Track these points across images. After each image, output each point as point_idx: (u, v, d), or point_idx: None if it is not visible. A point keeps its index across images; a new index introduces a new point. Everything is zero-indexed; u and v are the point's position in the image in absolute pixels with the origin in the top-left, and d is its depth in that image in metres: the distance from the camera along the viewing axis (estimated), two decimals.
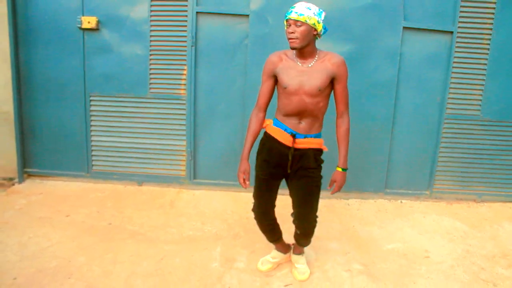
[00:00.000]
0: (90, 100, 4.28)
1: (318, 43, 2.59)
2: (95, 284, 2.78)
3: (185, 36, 4.10)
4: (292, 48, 2.44)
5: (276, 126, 2.65)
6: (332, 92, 2.62)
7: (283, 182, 2.77)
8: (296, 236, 2.89)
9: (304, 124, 2.59)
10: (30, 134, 4.36)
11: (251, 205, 2.82)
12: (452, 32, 4.07)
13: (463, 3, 4.01)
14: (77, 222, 3.58)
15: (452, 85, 4.17)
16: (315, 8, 2.40)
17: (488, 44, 4.09)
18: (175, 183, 4.40)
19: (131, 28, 4.13)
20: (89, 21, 4.06)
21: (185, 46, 4.12)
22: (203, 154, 4.36)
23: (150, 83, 4.22)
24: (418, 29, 4.07)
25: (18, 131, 4.27)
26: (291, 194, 2.74)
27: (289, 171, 2.65)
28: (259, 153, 2.74)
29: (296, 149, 2.60)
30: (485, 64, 4.13)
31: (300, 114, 2.57)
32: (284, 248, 3.06)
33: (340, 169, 2.65)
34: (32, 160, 4.43)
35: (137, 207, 3.91)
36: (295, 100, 2.53)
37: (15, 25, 4.10)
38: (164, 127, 4.31)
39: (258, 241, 3.35)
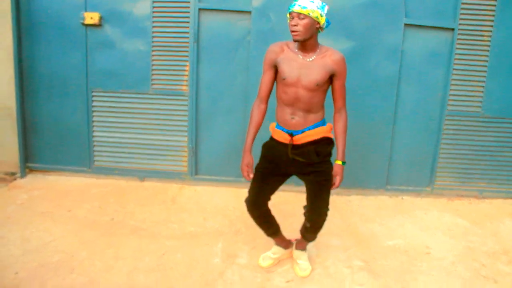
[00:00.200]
0: (92, 96, 4.28)
1: (320, 40, 2.59)
2: (97, 278, 2.79)
3: (187, 33, 4.10)
4: (295, 41, 2.46)
5: (278, 128, 2.69)
6: (330, 88, 2.63)
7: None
8: (304, 230, 2.89)
9: (297, 119, 2.59)
10: (32, 129, 4.37)
11: (246, 209, 2.83)
12: (453, 29, 4.07)
13: (464, 0, 4.00)
14: (79, 217, 3.59)
15: (453, 82, 4.17)
16: (318, 1, 2.41)
17: (489, 41, 4.09)
18: (177, 179, 4.41)
19: (133, 24, 4.13)
20: (91, 17, 4.06)
21: (187, 43, 4.13)
22: (205, 150, 4.37)
23: (152, 79, 4.22)
24: (420, 26, 4.06)
25: (21, 126, 4.28)
26: (306, 189, 2.75)
27: (290, 170, 2.67)
28: (262, 148, 2.77)
29: (295, 146, 2.61)
30: (486, 61, 4.13)
31: (293, 106, 2.57)
32: (284, 243, 3.07)
33: (340, 163, 2.65)
34: (34, 155, 4.44)
35: (139, 203, 3.92)
36: (291, 92, 2.55)
37: (18, 21, 4.10)
38: (166, 123, 4.31)
39: (259, 237, 3.34)
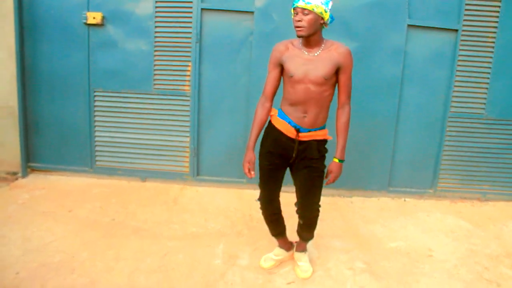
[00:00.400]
0: (94, 96, 4.28)
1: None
2: (98, 279, 2.78)
3: (190, 33, 4.10)
4: (299, 37, 2.46)
5: (281, 118, 2.67)
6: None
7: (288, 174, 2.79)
8: (299, 229, 2.90)
9: (308, 118, 2.60)
10: (34, 128, 4.37)
11: (255, 202, 2.83)
12: (457, 30, 4.05)
13: (468, 1, 3.98)
14: (80, 217, 3.59)
15: (457, 83, 4.15)
16: None
17: (493, 42, 4.07)
18: (179, 180, 4.40)
19: (136, 24, 4.13)
20: (94, 17, 4.06)
21: (190, 43, 4.12)
22: (207, 150, 4.36)
23: (155, 79, 4.21)
24: (423, 27, 4.05)
25: (22, 126, 4.28)
26: (295, 184, 2.77)
27: (291, 161, 2.68)
28: (263, 142, 2.76)
29: (300, 142, 2.62)
30: (490, 62, 4.11)
31: (305, 103, 2.57)
32: (286, 245, 3.07)
33: (337, 160, 2.66)
34: (35, 154, 4.43)
35: (141, 203, 3.91)
36: (300, 89, 2.54)
37: (20, 21, 4.10)
38: (168, 123, 4.31)
39: (261, 239, 3.35)
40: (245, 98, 4.18)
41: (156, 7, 4.08)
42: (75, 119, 4.33)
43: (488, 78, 4.14)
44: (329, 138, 2.73)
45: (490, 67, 4.12)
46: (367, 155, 4.25)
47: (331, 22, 2.51)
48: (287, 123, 2.64)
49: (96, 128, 4.35)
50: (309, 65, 2.51)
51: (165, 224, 3.56)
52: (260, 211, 2.88)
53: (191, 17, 4.06)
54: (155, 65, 4.19)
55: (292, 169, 2.75)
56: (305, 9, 2.37)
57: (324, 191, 2.75)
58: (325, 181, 2.70)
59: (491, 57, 4.10)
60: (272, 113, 2.74)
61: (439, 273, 3.07)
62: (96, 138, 4.37)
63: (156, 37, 4.14)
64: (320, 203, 2.75)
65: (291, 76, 2.54)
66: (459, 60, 4.10)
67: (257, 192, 2.90)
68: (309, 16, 2.38)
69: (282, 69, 2.62)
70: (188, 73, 4.18)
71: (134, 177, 4.42)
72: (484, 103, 4.20)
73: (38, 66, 4.23)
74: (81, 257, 3.00)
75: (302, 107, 2.59)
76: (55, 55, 4.20)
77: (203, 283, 2.82)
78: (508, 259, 3.30)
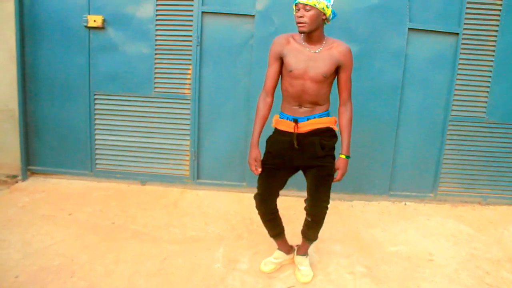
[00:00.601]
0: (95, 99, 4.28)
1: None
2: (97, 283, 2.77)
3: (191, 36, 4.10)
4: (301, 32, 2.47)
5: (281, 118, 2.69)
6: (336, 80, 2.64)
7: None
8: (305, 228, 2.89)
9: (303, 109, 2.61)
10: (34, 131, 4.37)
11: (255, 206, 2.82)
12: (457, 34, 4.05)
13: (468, 5, 3.98)
14: (80, 220, 3.58)
15: (458, 87, 4.15)
16: None
17: (494, 46, 4.07)
18: (179, 183, 4.39)
19: (136, 27, 4.13)
20: (95, 20, 4.06)
21: (190, 46, 4.12)
22: (207, 154, 4.36)
23: (155, 82, 4.21)
24: (424, 30, 4.05)
25: (23, 129, 4.27)
26: (306, 182, 2.76)
27: (294, 162, 2.67)
28: (266, 143, 2.77)
29: (300, 134, 2.61)
30: (491, 66, 4.11)
31: (300, 99, 2.59)
32: (286, 247, 3.06)
33: (343, 156, 2.66)
34: (35, 157, 4.43)
35: (141, 207, 3.91)
36: (297, 84, 2.56)
37: (21, 23, 4.10)
38: (168, 127, 4.30)
39: (261, 243, 3.34)
40: (245, 102, 4.18)
41: (157, 10, 4.08)
42: (75, 122, 4.33)
43: (489, 81, 4.14)
44: (335, 128, 2.69)
45: (491, 71, 4.11)
46: (368, 159, 4.24)
47: (333, 18, 2.52)
48: (285, 119, 2.65)
49: (96, 131, 4.35)
50: (310, 61, 2.52)
51: (165, 227, 3.56)
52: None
53: (191, 20, 4.06)
54: (155, 68, 4.19)
55: (303, 169, 2.76)
56: (307, 4, 2.38)
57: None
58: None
59: (492, 61, 4.10)
60: (274, 120, 2.75)
61: (440, 278, 3.06)
62: (96, 141, 4.37)
63: (156, 40, 4.14)
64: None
65: (291, 71, 2.55)
66: (459, 64, 4.10)
67: None
68: (311, 12, 2.39)
69: (282, 62, 2.62)
70: (189, 76, 4.18)
71: (134, 181, 4.42)
72: (485, 107, 4.19)
73: (38, 69, 4.23)
74: (81, 260, 2.99)
75: (297, 101, 2.61)
76: (55, 58, 4.20)
77: (202, 287, 2.81)
78: (509, 264, 3.28)
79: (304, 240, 2.97)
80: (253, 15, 4.02)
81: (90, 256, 3.05)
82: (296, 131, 2.61)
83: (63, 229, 3.41)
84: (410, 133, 4.26)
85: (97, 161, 4.41)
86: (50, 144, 4.39)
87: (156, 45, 4.15)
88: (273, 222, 2.90)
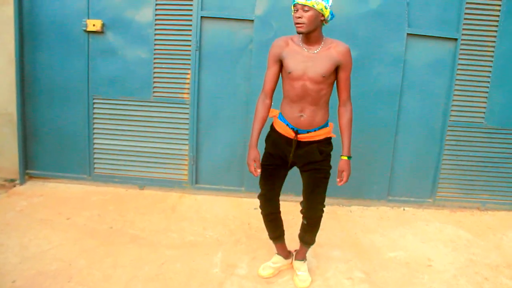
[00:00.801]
0: (93, 103, 4.27)
1: None
2: None
3: (189, 40, 4.10)
4: (299, 33, 2.48)
5: (280, 120, 2.69)
6: (335, 80, 2.64)
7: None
8: (302, 231, 2.90)
9: (305, 118, 2.60)
10: (32, 135, 4.36)
11: (253, 211, 2.83)
12: (456, 39, 4.06)
13: (467, 10, 3.99)
14: (78, 225, 3.57)
15: (456, 92, 4.15)
16: None
17: (493, 51, 4.08)
18: (177, 188, 4.39)
19: (135, 31, 4.13)
20: (94, 24, 4.06)
21: (189, 50, 4.12)
22: (206, 158, 4.35)
23: (154, 87, 4.21)
24: (422, 35, 4.06)
25: (21, 133, 4.26)
26: (302, 184, 2.77)
27: (290, 159, 2.68)
28: (265, 142, 2.79)
29: (299, 142, 2.63)
30: (490, 71, 4.11)
31: (302, 101, 2.59)
32: (285, 252, 3.05)
33: (345, 158, 2.66)
34: (34, 161, 4.42)
35: (139, 211, 3.90)
36: (298, 86, 2.56)
37: (21, 27, 4.10)
38: (167, 131, 4.30)
39: (260, 248, 3.33)
40: (244, 106, 4.17)
41: (156, 14, 4.08)
42: (74, 126, 4.32)
43: (488, 87, 4.14)
44: (333, 135, 2.72)
45: (489, 76, 4.12)
46: (367, 164, 4.24)
47: (331, 19, 2.53)
48: (285, 125, 2.65)
49: (95, 136, 4.34)
50: (308, 62, 2.52)
51: (163, 232, 3.55)
52: (259, 220, 2.88)
53: (190, 25, 4.07)
54: (154, 72, 4.19)
55: (300, 172, 2.77)
56: (305, 5, 2.38)
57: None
58: (337, 180, 2.69)
59: (490, 66, 4.11)
60: (274, 114, 2.75)
61: (439, 284, 3.05)
62: (95, 146, 4.36)
63: (155, 44, 4.14)
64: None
65: (290, 73, 2.55)
66: (458, 69, 4.10)
67: (255, 201, 2.89)
68: (309, 13, 2.39)
69: (281, 65, 2.63)
70: (188, 81, 4.18)
71: (132, 185, 4.41)
72: (484, 112, 4.20)
73: (37, 73, 4.23)
74: (78, 265, 2.98)
75: (299, 105, 2.60)
76: (54, 62, 4.20)
77: None
78: (508, 270, 3.28)
79: (301, 245, 2.98)
80: (252, 20, 4.02)
81: (88, 260, 3.04)
82: (295, 139, 2.63)
83: (61, 233, 3.39)
84: (408, 138, 4.26)
85: (96, 165, 4.40)
86: (48, 148, 4.38)
87: (155, 49, 4.15)
88: (275, 223, 2.91)
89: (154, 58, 4.17)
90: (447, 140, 4.25)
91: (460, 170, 4.32)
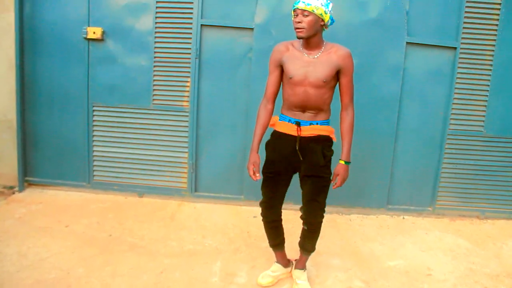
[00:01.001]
0: (93, 110, 4.27)
1: None
2: None
3: (189, 48, 4.11)
4: (299, 38, 2.48)
5: (281, 120, 2.70)
6: (337, 84, 2.64)
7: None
8: (302, 238, 2.88)
9: (308, 115, 2.61)
10: (32, 142, 4.36)
11: (253, 219, 2.82)
12: (455, 48, 4.07)
13: (466, 19, 4.01)
14: (77, 232, 3.56)
15: (455, 101, 4.16)
16: None
17: (491, 60, 4.09)
18: (176, 196, 4.38)
19: (135, 39, 4.14)
20: (94, 32, 4.07)
21: (189, 58, 4.13)
22: (205, 166, 4.35)
23: (154, 95, 4.22)
24: (422, 44, 4.07)
25: (20, 140, 4.26)
26: (302, 189, 2.75)
27: (301, 158, 2.66)
28: (266, 150, 2.78)
29: (303, 138, 2.62)
30: (489, 80, 4.13)
31: (303, 105, 2.59)
32: (284, 261, 3.04)
33: (343, 162, 2.64)
34: (33, 168, 4.41)
35: (138, 219, 3.89)
36: (299, 91, 2.56)
37: (21, 34, 4.11)
38: (166, 139, 4.30)
39: (259, 256, 3.32)
40: (244, 114, 4.18)
41: (156, 22, 4.10)
42: (73, 134, 4.33)
43: (487, 95, 4.16)
44: (334, 139, 2.71)
45: (488, 85, 4.13)
46: (366, 172, 4.24)
47: (331, 24, 2.54)
48: (287, 122, 2.66)
49: (94, 143, 4.34)
50: (309, 67, 2.53)
51: (162, 240, 3.53)
52: (258, 228, 2.87)
53: (190, 33, 4.08)
54: (154, 80, 4.19)
55: (300, 175, 2.75)
56: (305, 10, 2.40)
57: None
58: (332, 183, 2.69)
59: (489, 75, 4.12)
60: (273, 121, 2.75)
61: None
62: (94, 153, 4.36)
63: (155, 52, 4.15)
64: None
65: (291, 78, 2.56)
66: (457, 78, 4.12)
67: (255, 210, 2.89)
68: (309, 18, 2.41)
69: (282, 70, 2.64)
70: (187, 88, 4.19)
71: (131, 193, 4.40)
72: (483, 121, 4.21)
73: (37, 80, 4.23)
74: (77, 273, 2.96)
75: (300, 109, 2.61)
76: (54, 69, 4.21)
77: None
78: (508, 279, 3.27)
79: (302, 252, 2.96)
80: (252, 28, 4.04)
81: (86, 269, 3.02)
82: (299, 134, 2.62)
83: (60, 241, 3.38)
84: (408, 146, 4.26)
85: (95, 173, 4.39)
86: (47, 155, 4.38)
87: (155, 57, 4.16)
88: (276, 231, 2.89)
89: (154, 66, 4.17)
90: (447, 148, 4.25)
91: (459, 178, 4.32)
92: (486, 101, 4.17)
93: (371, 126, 4.13)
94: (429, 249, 3.69)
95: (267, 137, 2.78)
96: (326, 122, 2.67)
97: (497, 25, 4.02)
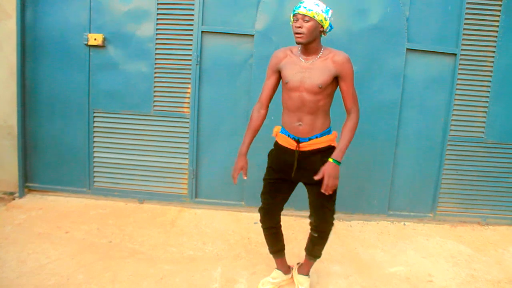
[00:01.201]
0: (94, 116, 4.28)
1: None
2: None
3: (190, 55, 4.12)
4: (298, 43, 2.48)
5: (282, 133, 2.69)
6: (339, 90, 2.62)
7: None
8: (310, 244, 2.86)
9: (303, 126, 2.58)
10: (32, 148, 4.36)
11: (253, 226, 2.81)
12: (455, 54, 4.08)
13: (466, 26, 4.02)
14: (77, 239, 3.55)
15: (456, 107, 4.16)
16: (323, 5, 2.45)
17: (492, 66, 4.10)
18: (177, 202, 4.37)
19: (136, 45, 4.15)
20: (95, 38, 4.08)
21: (190, 65, 4.14)
22: (206, 173, 4.34)
23: (154, 101, 4.22)
24: (422, 51, 4.08)
25: (21, 145, 4.26)
26: (308, 197, 2.74)
27: (293, 175, 2.65)
28: (268, 157, 2.79)
29: (302, 152, 2.61)
30: (489, 86, 4.13)
31: (299, 111, 2.57)
32: (284, 267, 3.03)
33: (331, 160, 2.51)
34: (33, 174, 4.41)
35: (138, 225, 3.88)
36: (295, 97, 2.56)
37: (23, 41, 4.12)
38: (167, 145, 4.30)
39: (260, 263, 3.31)
40: (244, 121, 4.17)
41: (157, 29, 4.11)
42: (74, 140, 4.33)
43: (487, 102, 4.15)
44: (335, 144, 2.66)
45: (489, 91, 4.14)
46: (366, 178, 4.23)
47: (330, 30, 2.55)
48: (287, 136, 2.65)
49: (95, 149, 4.34)
50: (305, 73, 2.53)
51: (162, 247, 3.52)
52: (259, 234, 2.86)
53: (191, 39, 4.09)
54: (155, 86, 4.20)
55: (305, 184, 2.72)
56: (305, 15, 2.40)
57: None
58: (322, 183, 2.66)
59: (489, 81, 4.12)
60: (275, 130, 2.76)
61: None
62: (95, 159, 4.36)
63: (156, 59, 4.16)
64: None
65: (287, 83, 2.56)
66: (458, 84, 4.12)
67: (255, 216, 2.88)
68: (310, 23, 2.41)
69: (280, 75, 2.65)
70: (188, 95, 4.19)
71: (132, 199, 4.40)
72: (484, 127, 4.20)
73: (38, 86, 4.24)
74: (77, 280, 2.96)
75: (296, 115, 2.59)
76: (55, 75, 4.22)
77: None
78: (510, 285, 3.25)
79: (308, 258, 2.93)
80: (253, 35, 4.05)
81: (86, 275, 3.01)
82: (298, 149, 2.61)
83: (60, 247, 3.37)
84: (408, 153, 4.26)
85: (95, 179, 4.39)
86: (48, 161, 4.38)
87: (155, 63, 4.17)
88: (275, 237, 2.89)
89: (155, 72, 4.18)
90: (447, 154, 4.25)
91: (460, 184, 4.32)
92: (487, 107, 4.17)
93: (371, 132, 4.13)
94: (430, 255, 3.67)
95: (263, 141, 2.75)
96: (326, 133, 2.64)
97: (497, 31, 4.03)
